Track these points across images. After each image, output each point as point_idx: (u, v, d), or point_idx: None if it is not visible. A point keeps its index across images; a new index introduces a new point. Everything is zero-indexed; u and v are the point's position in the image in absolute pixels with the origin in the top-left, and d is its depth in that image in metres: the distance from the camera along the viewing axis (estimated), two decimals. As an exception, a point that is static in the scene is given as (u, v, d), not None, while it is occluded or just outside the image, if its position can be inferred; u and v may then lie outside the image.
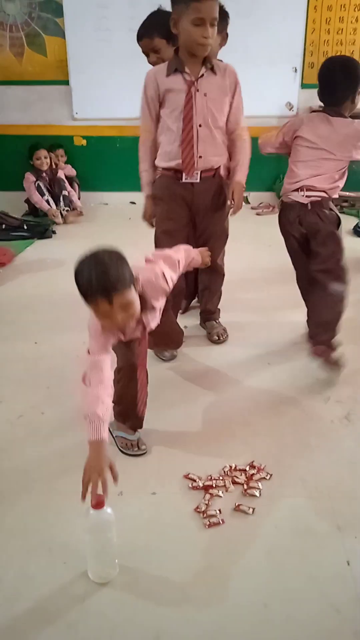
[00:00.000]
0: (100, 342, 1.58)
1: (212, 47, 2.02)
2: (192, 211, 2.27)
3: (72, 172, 4.78)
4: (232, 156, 2.24)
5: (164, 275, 1.63)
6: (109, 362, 1.56)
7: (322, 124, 2.08)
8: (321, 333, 2.16)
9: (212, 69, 2.09)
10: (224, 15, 2.06)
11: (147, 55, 2.47)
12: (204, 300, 2.57)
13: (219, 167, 2.23)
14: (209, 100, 2.09)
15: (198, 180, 2.19)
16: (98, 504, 1.29)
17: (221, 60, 2.19)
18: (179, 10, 1.93)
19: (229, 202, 2.26)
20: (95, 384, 1.49)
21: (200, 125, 2.11)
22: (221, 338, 2.49)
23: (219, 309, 2.58)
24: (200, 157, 2.15)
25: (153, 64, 2.47)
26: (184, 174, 2.17)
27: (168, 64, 2.10)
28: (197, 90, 2.07)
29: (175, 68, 2.07)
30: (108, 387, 1.50)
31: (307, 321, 2.33)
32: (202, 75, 2.07)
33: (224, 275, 2.50)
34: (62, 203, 4.46)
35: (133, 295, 1.48)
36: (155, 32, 2.31)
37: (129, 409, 1.75)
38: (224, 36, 2.04)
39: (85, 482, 1.34)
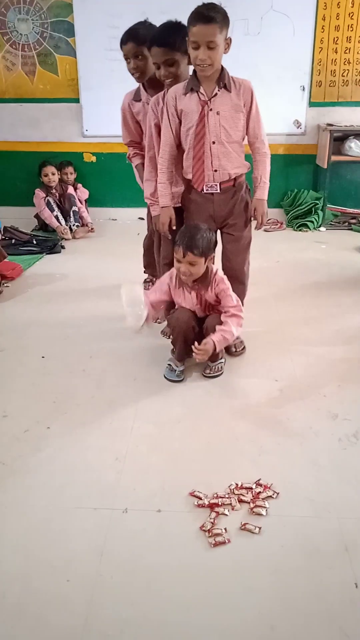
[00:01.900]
0: (164, 288, 2.31)
1: (214, 67, 2.07)
2: (216, 221, 2.34)
3: (85, 193, 4.81)
4: (254, 170, 2.31)
5: (229, 291, 2.22)
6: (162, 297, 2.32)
7: None
8: None
9: (226, 87, 2.14)
10: (226, 18, 2.06)
11: (127, 60, 2.50)
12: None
13: (239, 176, 2.29)
14: (221, 118, 2.16)
15: (218, 191, 2.27)
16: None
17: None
18: (187, 35, 2.05)
19: (251, 218, 2.33)
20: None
21: (213, 142, 2.19)
22: (237, 350, 2.49)
23: None
24: (215, 170, 2.23)
25: (132, 70, 2.51)
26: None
27: (186, 84, 2.18)
28: (210, 110, 2.15)
29: (191, 87, 2.15)
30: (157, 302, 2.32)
31: None
32: (216, 94, 2.14)
33: (245, 285, 2.49)
34: (72, 219, 4.49)
35: (200, 263, 2.12)
36: (140, 38, 2.37)
37: (176, 340, 2.29)
38: (229, 42, 2.04)
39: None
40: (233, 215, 2.34)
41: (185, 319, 2.25)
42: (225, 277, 2.26)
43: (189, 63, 2.22)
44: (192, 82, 2.16)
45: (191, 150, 2.23)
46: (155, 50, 2.21)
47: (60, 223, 4.40)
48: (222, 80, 2.13)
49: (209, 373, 2.31)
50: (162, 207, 2.33)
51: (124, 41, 2.50)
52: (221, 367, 2.34)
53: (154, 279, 3.03)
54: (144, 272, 3.26)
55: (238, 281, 2.43)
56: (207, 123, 2.16)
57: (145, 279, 3.22)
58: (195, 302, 2.27)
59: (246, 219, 2.37)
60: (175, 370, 2.29)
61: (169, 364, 2.32)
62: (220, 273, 2.27)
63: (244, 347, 2.52)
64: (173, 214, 2.32)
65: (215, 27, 1.98)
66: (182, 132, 2.24)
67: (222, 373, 2.33)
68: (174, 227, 2.32)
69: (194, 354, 2.13)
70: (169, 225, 2.33)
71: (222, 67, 2.15)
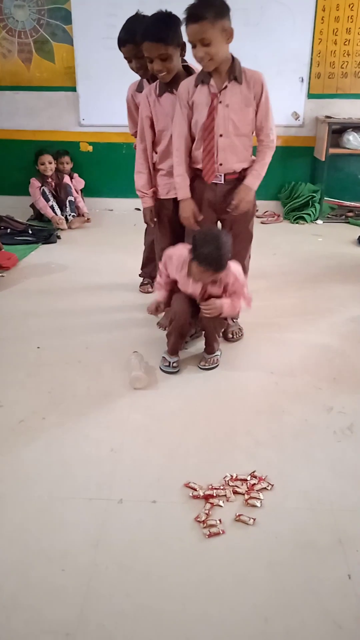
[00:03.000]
0: (178, 275, 2.23)
1: (216, 61, 2.04)
2: (217, 212, 2.33)
3: (81, 183, 4.78)
4: (256, 158, 2.29)
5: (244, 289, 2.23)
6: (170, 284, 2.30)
7: None
8: None
9: (237, 79, 2.12)
10: (219, 10, 2.00)
11: (129, 61, 2.47)
12: None
13: (244, 169, 2.27)
14: (231, 111, 2.15)
15: (222, 182, 2.26)
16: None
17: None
18: (179, 26, 2.07)
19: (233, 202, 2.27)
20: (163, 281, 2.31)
21: (221, 135, 2.17)
22: (235, 337, 2.50)
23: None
24: (220, 164, 2.22)
25: (136, 69, 2.48)
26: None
27: (197, 76, 2.16)
28: (220, 102, 2.13)
29: (202, 80, 2.13)
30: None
31: None
32: (226, 86, 2.12)
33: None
34: (67, 209, 4.46)
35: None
36: (138, 38, 2.28)
37: (171, 333, 2.29)
38: (229, 32, 2.00)
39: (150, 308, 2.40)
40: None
41: (183, 313, 2.24)
42: (238, 271, 2.20)
43: (182, 55, 2.21)
44: (203, 75, 2.14)
45: (200, 142, 2.21)
46: (148, 45, 2.14)
47: (55, 213, 4.37)
48: (233, 72, 2.11)
49: (205, 365, 2.31)
50: (183, 199, 2.29)
51: (122, 43, 2.46)
52: (217, 359, 2.34)
53: (152, 281, 3.00)
54: (140, 274, 3.18)
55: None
56: (216, 116, 2.14)
57: (142, 282, 3.15)
58: (198, 292, 2.23)
59: (248, 215, 2.35)
60: (170, 363, 2.29)
61: (163, 357, 2.32)
62: (234, 268, 2.18)
63: (242, 334, 2.53)
64: (195, 206, 2.29)
65: (205, 24, 1.95)
66: (193, 123, 2.22)
67: (217, 365, 2.33)
68: (200, 218, 2.29)
69: (202, 310, 2.16)
70: (194, 218, 2.29)
71: (233, 58, 2.12)
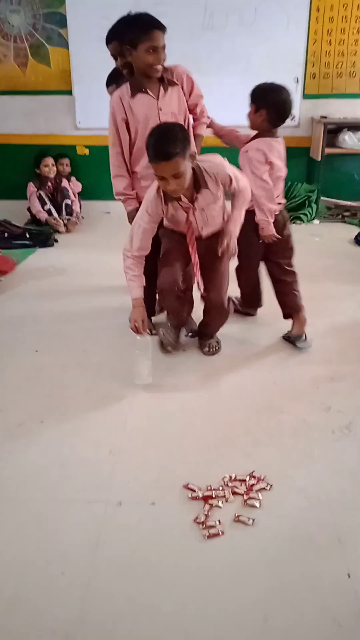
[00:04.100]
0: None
1: (184, 187, 2.02)
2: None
3: (78, 186, 4.79)
4: (232, 206, 2.25)
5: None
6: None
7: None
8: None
9: (206, 187, 2.11)
10: (184, 140, 1.97)
11: (115, 58, 2.48)
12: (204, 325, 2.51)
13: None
14: (206, 210, 2.17)
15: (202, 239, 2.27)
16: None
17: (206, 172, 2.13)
18: None
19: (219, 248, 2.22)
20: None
21: (202, 228, 2.22)
22: (212, 349, 2.44)
23: None
24: (201, 228, 2.23)
25: (120, 67, 2.48)
26: None
27: (163, 197, 2.10)
28: (195, 210, 2.14)
29: (172, 198, 2.09)
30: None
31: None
32: (196, 197, 2.11)
33: (227, 311, 2.41)
34: (64, 212, 4.48)
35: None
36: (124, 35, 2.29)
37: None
38: (193, 154, 2.02)
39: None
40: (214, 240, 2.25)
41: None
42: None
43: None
44: (169, 197, 2.09)
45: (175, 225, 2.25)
46: (158, 33, 2.15)
47: (52, 215, 4.39)
48: (198, 183, 2.09)
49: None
50: (135, 300, 2.21)
51: (107, 40, 2.47)
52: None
53: None
54: None
55: (219, 311, 2.37)
56: (193, 220, 2.17)
57: None
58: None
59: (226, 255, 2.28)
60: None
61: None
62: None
63: (219, 348, 2.46)
64: (145, 314, 2.23)
65: (177, 160, 1.92)
66: (166, 223, 2.27)
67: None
68: (149, 331, 2.29)
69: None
70: (141, 326, 2.21)
71: (194, 170, 2.06)
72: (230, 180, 2.14)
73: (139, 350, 2.16)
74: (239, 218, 2.24)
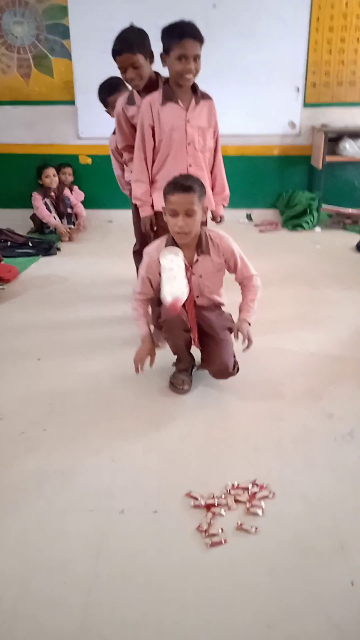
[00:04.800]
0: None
1: (192, 234, 2.02)
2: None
3: (81, 196, 4.82)
4: (242, 296, 2.22)
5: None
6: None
7: None
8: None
9: (208, 253, 2.12)
10: (202, 189, 2.03)
11: (124, 71, 2.44)
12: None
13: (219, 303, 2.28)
14: (205, 279, 2.16)
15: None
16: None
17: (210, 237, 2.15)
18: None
19: (236, 337, 2.18)
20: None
21: (197, 296, 2.19)
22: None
23: None
24: (197, 296, 2.20)
25: (130, 79, 2.45)
26: None
27: (165, 245, 2.09)
28: (193, 274, 2.13)
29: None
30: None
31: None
32: (197, 260, 2.12)
33: (234, 373, 2.23)
34: (65, 221, 4.51)
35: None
36: (136, 47, 2.32)
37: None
38: (205, 211, 2.06)
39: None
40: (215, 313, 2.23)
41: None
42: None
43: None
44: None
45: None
46: (190, 42, 2.16)
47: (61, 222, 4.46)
48: (200, 246, 2.10)
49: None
50: (143, 337, 2.19)
51: (118, 52, 2.46)
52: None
53: None
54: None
55: (224, 375, 2.21)
56: (190, 283, 2.13)
57: None
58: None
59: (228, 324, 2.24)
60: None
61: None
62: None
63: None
64: (154, 351, 2.21)
65: (194, 196, 1.95)
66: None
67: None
68: (151, 364, 2.20)
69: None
70: (142, 363, 2.19)
71: (200, 231, 2.09)
72: (235, 261, 2.14)
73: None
74: (254, 307, 2.18)
